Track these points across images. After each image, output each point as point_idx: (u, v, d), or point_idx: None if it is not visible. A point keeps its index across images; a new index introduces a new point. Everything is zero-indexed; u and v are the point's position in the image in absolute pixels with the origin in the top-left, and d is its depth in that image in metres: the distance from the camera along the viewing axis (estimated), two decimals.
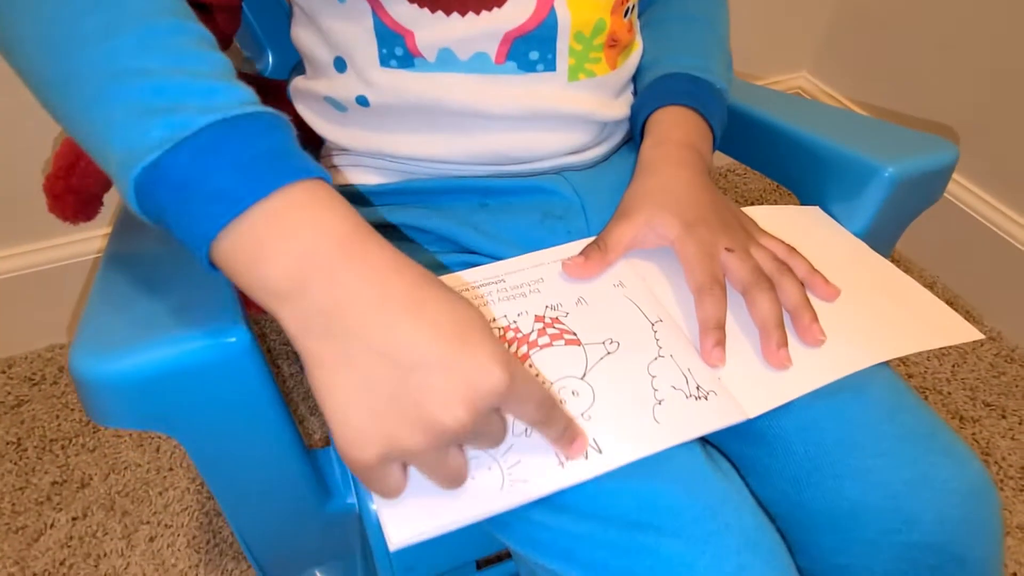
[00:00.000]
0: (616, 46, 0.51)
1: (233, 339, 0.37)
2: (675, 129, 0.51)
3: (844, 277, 0.47)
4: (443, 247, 0.50)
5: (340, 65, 0.49)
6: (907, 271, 1.16)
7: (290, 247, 0.30)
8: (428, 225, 0.50)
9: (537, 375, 0.38)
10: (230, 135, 0.30)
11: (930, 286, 1.13)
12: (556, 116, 0.50)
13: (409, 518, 0.33)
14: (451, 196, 0.52)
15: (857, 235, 0.54)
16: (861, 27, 1.20)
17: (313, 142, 0.61)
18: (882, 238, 0.57)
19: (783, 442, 0.41)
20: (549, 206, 0.50)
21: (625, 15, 0.51)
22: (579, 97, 0.50)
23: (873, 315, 0.45)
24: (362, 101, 0.49)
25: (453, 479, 0.33)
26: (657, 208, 0.46)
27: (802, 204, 0.59)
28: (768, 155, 0.63)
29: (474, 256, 0.48)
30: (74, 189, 0.46)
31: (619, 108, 0.54)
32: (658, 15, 0.59)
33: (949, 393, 0.98)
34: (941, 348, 1.04)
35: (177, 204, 0.30)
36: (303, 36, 0.52)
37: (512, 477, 0.34)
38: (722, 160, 1.31)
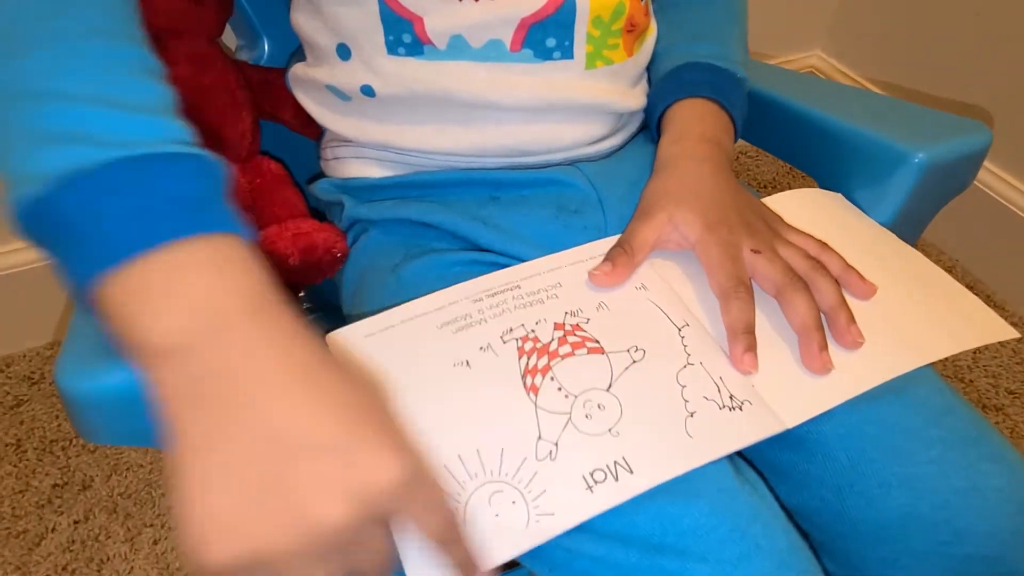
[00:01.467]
0: (634, 31, 0.48)
1: None
2: (696, 123, 0.49)
3: (876, 272, 0.45)
4: (451, 244, 0.47)
5: (344, 52, 0.47)
6: (925, 254, 1.13)
7: (179, 303, 0.27)
8: (435, 220, 0.47)
9: (559, 388, 0.36)
10: (132, 175, 0.27)
11: (949, 269, 1.09)
12: (572, 107, 0.48)
13: (435, 567, 0.30)
14: (460, 189, 0.49)
15: (883, 225, 0.52)
16: (878, 1, 1.16)
17: (313, 130, 0.58)
18: (909, 227, 0.54)
19: (823, 448, 0.39)
20: (564, 199, 0.47)
21: None
22: (596, 87, 0.48)
23: (912, 313, 0.43)
24: (367, 91, 0.47)
25: None
26: (678, 207, 0.43)
27: (828, 182, 0.57)
28: (786, 139, 0.60)
29: (484, 254, 0.46)
30: None
31: (636, 98, 0.51)
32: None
33: (971, 381, 0.95)
34: None
35: (61, 241, 0.28)
36: (303, 21, 0.49)
37: (538, 511, 0.32)
38: None
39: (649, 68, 0.54)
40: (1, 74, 0.29)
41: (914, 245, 0.56)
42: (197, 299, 0.27)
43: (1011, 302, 1.05)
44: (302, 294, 0.68)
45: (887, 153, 0.51)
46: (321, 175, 0.57)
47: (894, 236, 0.51)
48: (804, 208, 0.50)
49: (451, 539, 0.29)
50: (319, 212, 0.59)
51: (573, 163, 0.50)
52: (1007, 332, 0.43)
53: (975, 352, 0.99)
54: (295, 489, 0.25)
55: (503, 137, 0.48)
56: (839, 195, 0.54)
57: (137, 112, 0.29)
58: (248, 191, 0.54)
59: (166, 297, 0.27)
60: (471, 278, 0.42)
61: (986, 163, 1.05)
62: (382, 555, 0.28)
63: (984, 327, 0.43)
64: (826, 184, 0.57)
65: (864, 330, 0.40)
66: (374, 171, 0.52)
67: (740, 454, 0.39)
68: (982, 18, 1.01)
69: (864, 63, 1.22)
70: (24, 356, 0.94)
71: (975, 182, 1.05)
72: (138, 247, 0.27)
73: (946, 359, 0.98)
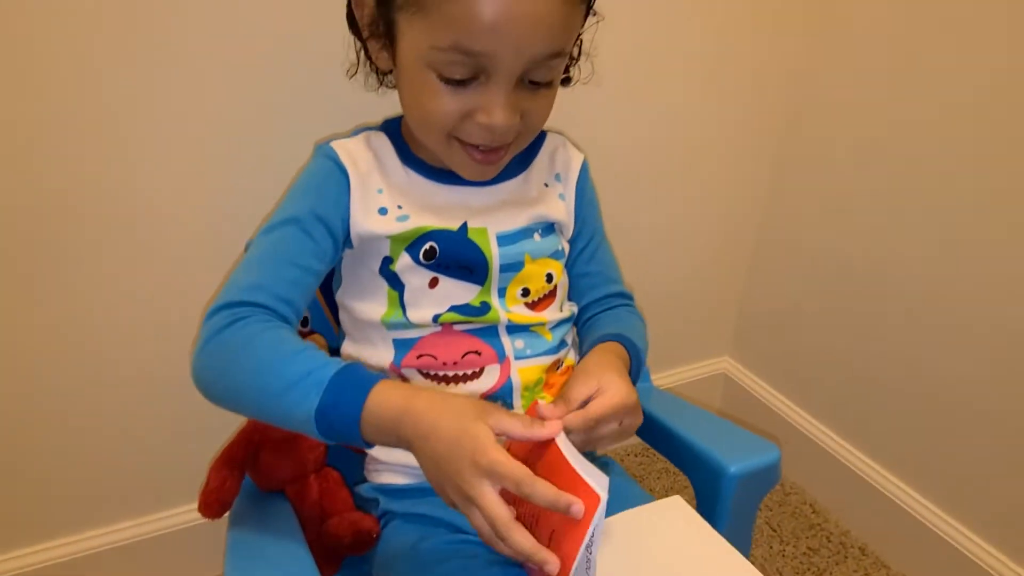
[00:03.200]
0: (553, 387, 0.82)
1: None
2: (612, 351, 0.78)
3: (696, 566, 0.66)
4: (448, 529, 0.76)
5: None
6: (825, 521, 1.39)
7: (386, 413, 0.60)
8: (436, 515, 0.77)
9: None
10: (341, 379, 0.61)
11: (844, 534, 1.36)
12: None
13: None
14: None
15: (723, 513, 0.80)
16: (766, 321, 1.49)
17: (360, 451, 0.90)
18: (742, 514, 0.83)
19: None
20: None
21: (556, 368, 0.84)
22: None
23: None
24: None
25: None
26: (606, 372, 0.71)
27: (690, 478, 0.85)
28: (664, 446, 0.90)
29: (469, 535, 0.74)
30: (221, 501, 0.75)
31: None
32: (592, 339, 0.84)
33: None
34: None
35: (337, 429, 0.61)
36: None
37: None
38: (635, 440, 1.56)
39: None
40: (242, 371, 0.64)
41: (752, 525, 0.85)
42: (395, 405, 0.60)
43: (894, 561, 1.28)
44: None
45: (716, 464, 0.82)
46: (363, 480, 0.88)
47: (709, 530, 0.70)
48: (645, 519, 0.71)
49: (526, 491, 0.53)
50: (360, 506, 0.89)
51: None
52: None
53: None
54: (449, 473, 0.56)
55: None
56: (676, 498, 0.77)
57: (321, 356, 0.63)
58: (318, 491, 0.85)
59: (380, 417, 0.60)
60: (463, 550, 0.70)
61: (872, 462, 1.34)
62: (488, 507, 0.54)
63: None
64: (691, 476, 0.86)
65: None
66: (397, 479, 0.82)
67: None
68: (846, 329, 1.39)
69: (763, 368, 1.53)
70: None
71: (857, 471, 1.34)
72: (356, 412, 0.60)
73: None
